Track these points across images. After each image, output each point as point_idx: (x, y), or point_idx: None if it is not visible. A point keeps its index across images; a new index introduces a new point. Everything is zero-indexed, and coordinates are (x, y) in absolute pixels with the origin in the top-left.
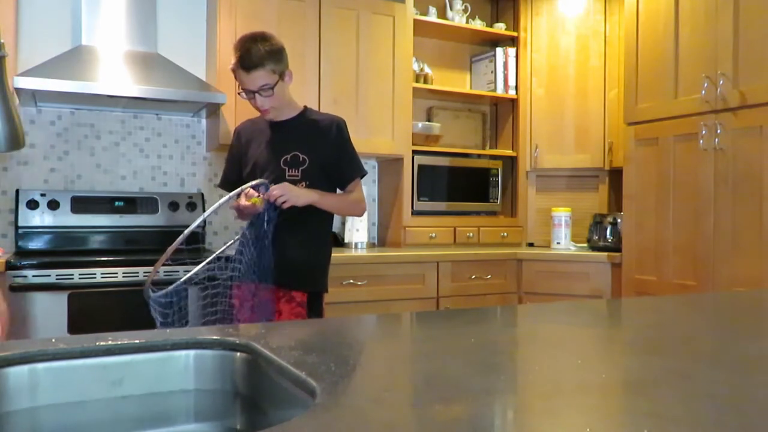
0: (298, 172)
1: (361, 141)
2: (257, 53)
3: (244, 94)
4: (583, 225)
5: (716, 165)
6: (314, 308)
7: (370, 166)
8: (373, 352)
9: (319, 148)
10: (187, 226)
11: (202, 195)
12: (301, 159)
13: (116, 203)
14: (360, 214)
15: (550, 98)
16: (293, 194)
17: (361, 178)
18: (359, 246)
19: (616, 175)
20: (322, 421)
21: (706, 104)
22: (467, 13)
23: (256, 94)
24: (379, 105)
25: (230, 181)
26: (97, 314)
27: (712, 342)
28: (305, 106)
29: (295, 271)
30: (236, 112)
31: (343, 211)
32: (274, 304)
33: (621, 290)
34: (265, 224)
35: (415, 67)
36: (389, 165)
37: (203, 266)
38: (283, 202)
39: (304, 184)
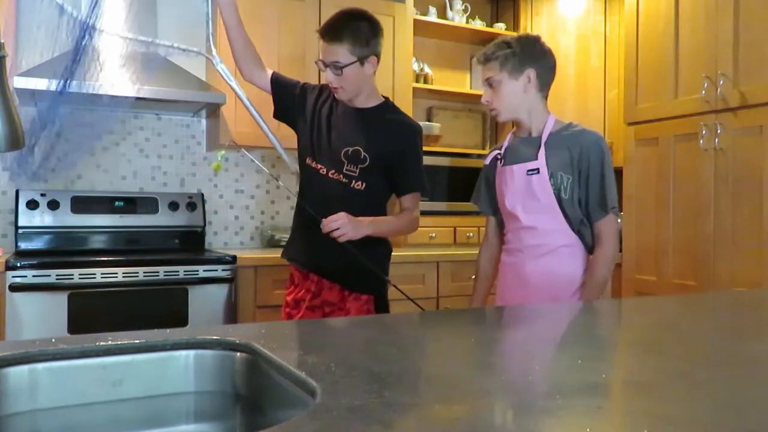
0: (356, 169)
1: None
2: (339, 27)
3: (321, 62)
4: None
5: (716, 165)
6: (381, 305)
7: None
8: (373, 352)
9: (385, 150)
10: (188, 226)
11: (202, 195)
12: (362, 156)
13: (116, 203)
14: (411, 232)
15: (550, 98)
16: (354, 229)
17: (422, 194)
18: None
19: (616, 175)
20: (322, 421)
21: (706, 104)
22: (467, 13)
23: (328, 69)
24: None
25: (282, 78)
26: (97, 314)
27: (712, 342)
28: (387, 99)
29: (359, 274)
30: (236, 112)
31: (396, 235)
32: (341, 303)
33: (621, 290)
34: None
35: (415, 67)
36: None
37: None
38: (340, 236)
39: (360, 183)
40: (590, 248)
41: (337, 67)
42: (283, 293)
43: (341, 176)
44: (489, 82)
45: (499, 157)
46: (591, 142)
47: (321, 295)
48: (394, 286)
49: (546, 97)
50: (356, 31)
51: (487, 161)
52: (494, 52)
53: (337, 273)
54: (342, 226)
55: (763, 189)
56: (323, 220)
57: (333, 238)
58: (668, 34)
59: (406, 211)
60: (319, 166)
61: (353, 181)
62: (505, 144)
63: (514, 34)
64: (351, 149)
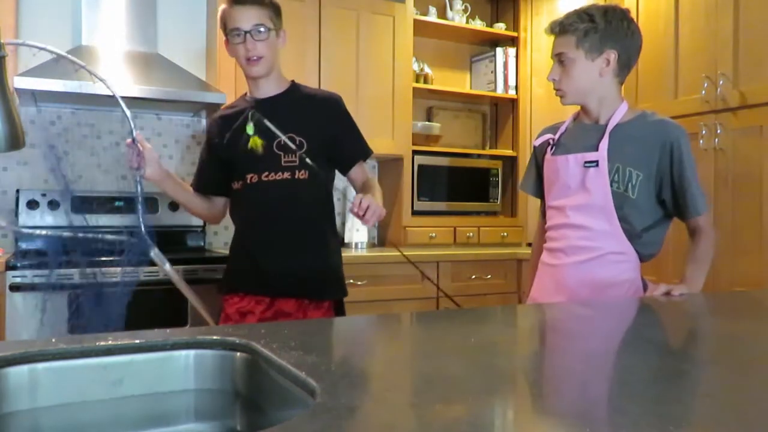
0: (295, 157)
1: None
2: None
3: (232, 36)
4: None
5: (716, 165)
6: (340, 311)
7: (370, 167)
8: (373, 352)
9: (318, 128)
10: (188, 226)
11: None
12: (297, 142)
13: (116, 203)
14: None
15: (550, 98)
16: (379, 206)
17: (365, 160)
18: (359, 246)
19: None
20: (322, 421)
21: (706, 104)
22: (467, 13)
23: (248, 36)
24: (379, 105)
25: (204, 181)
26: (97, 314)
27: (712, 342)
28: (293, 81)
29: (318, 280)
30: None
31: None
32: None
33: None
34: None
35: (415, 67)
36: (389, 165)
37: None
38: (373, 213)
39: (304, 172)
40: (645, 258)
41: (261, 31)
42: None
43: (282, 173)
44: (560, 58)
45: (551, 142)
46: (675, 137)
47: (275, 305)
48: (435, 284)
49: (622, 83)
50: (272, 1)
51: (537, 143)
52: (572, 23)
53: (297, 285)
54: (371, 202)
55: (763, 189)
56: (351, 205)
57: (291, 246)
58: (668, 34)
59: (368, 181)
60: (250, 175)
61: (296, 172)
62: (562, 129)
63: (515, 34)
64: (282, 139)
